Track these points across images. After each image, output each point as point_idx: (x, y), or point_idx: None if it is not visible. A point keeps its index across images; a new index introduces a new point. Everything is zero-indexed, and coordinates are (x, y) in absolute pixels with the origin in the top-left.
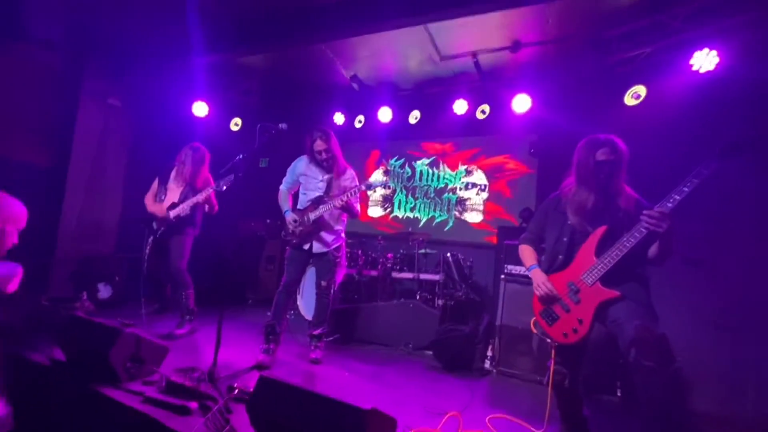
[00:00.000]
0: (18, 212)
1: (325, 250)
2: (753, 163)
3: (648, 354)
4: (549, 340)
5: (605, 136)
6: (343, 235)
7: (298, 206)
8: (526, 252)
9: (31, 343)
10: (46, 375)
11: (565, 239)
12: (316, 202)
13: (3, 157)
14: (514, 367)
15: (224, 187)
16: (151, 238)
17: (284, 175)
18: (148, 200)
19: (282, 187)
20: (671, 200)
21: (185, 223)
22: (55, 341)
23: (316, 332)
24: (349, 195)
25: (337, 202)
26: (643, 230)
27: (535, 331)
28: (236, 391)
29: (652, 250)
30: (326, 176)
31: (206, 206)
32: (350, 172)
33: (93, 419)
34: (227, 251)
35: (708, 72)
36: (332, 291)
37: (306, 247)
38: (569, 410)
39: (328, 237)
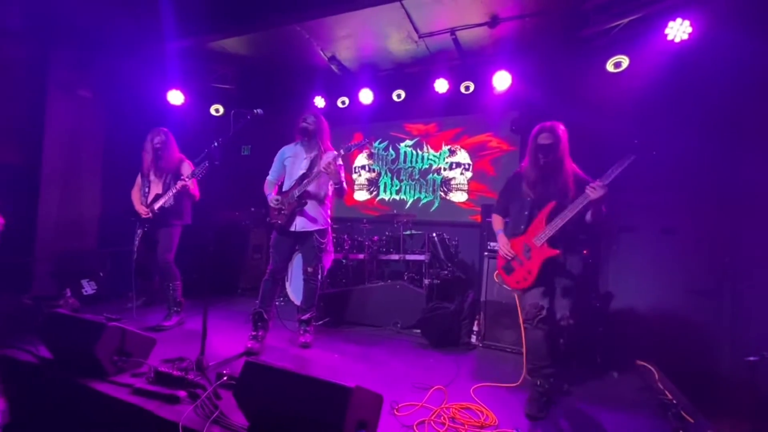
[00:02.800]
0: None
1: (310, 228)
2: (721, 140)
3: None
4: (506, 287)
5: (550, 123)
6: (329, 219)
7: (283, 190)
8: (495, 220)
9: (16, 342)
10: (34, 373)
11: (526, 213)
12: (300, 179)
13: None
14: (499, 340)
15: (199, 176)
16: (140, 230)
17: (267, 163)
18: (134, 197)
19: (269, 177)
20: (607, 177)
21: (171, 215)
22: (40, 339)
23: (304, 317)
24: (330, 163)
25: (322, 166)
26: (583, 199)
27: (497, 281)
28: (225, 378)
29: (588, 216)
30: (311, 154)
31: (182, 185)
32: (332, 153)
33: (83, 413)
34: (211, 241)
35: (683, 41)
36: (319, 276)
37: (291, 228)
38: (541, 352)
39: (312, 215)
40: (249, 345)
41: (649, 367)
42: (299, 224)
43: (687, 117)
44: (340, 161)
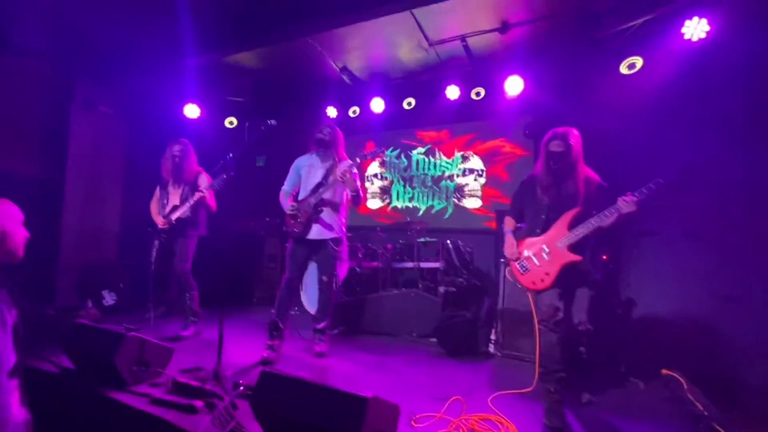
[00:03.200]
0: (7, 208)
1: (324, 237)
2: (747, 138)
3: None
4: (518, 285)
5: (562, 130)
6: (344, 228)
7: (299, 199)
8: (507, 221)
9: (39, 352)
10: (56, 383)
11: (542, 216)
12: (316, 188)
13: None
14: (517, 349)
15: (217, 188)
16: (157, 241)
17: (282, 173)
18: (153, 208)
19: (284, 187)
20: (641, 193)
21: (188, 225)
22: (62, 349)
23: (319, 326)
24: (346, 172)
25: (338, 175)
26: (614, 211)
27: (509, 277)
28: (241, 387)
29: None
30: (327, 163)
31: (200, 196)
32: (347, 162)
33: (103, 424)
34: (227, 251)
35: (701, 40)
36: (334, 285)
37: (307, 236)
38: (555, 356)
39: (328, 222)
40: (264, 355)
41: (677, 376)
42: (315, 232)
43: (707, 116)
44: (355, 170)
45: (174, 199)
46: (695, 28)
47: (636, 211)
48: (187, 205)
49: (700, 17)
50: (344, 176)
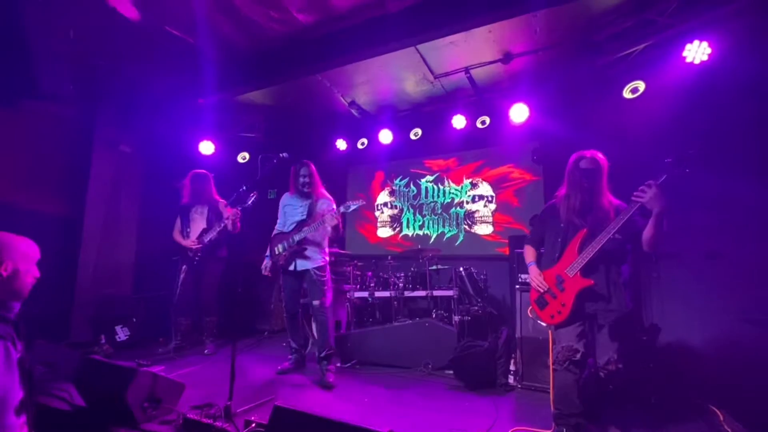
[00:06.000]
0: (25, 248)
1: (307, 267)
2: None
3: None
4: (540, 323)
5: (590, 152)
6: (327, 257)
7: (284, 231)
8: (528, 252)
9: (51, 389)
10: (67, 420)
11: (559, 240)
12: (300, 225)
13: (23, 209)
14: (538, 380)
15: (250, 202)
16: (185, 266)
17: None
18: (177, 237)
19: (277, 227)
20: (657, 177)
21: (217, 248)
22: (74, 386)
23: (322, 354)
24: (329, 216)
25: (327, 219)
26: (634, 205)
27: (531, 315)
28: (253, 425)
29: (646, 231)
30: (306, 202)
31: (231, 224)
32: (326, 200)
33: None
34: (240, 284)
35: (703, 62)
36: (326, 309)
37: (291, 267)
38: (570, 398)
39: (311, 255)
40: (280, 366)
41: (713, 408)
42: (298, 264)
43: (712, 137)
44: (337, 216)
45: (199, 223)
46: (696, 51)
47: (659, 194)
48: (218, 228)
49: (701, 40)
50: (332, 222)
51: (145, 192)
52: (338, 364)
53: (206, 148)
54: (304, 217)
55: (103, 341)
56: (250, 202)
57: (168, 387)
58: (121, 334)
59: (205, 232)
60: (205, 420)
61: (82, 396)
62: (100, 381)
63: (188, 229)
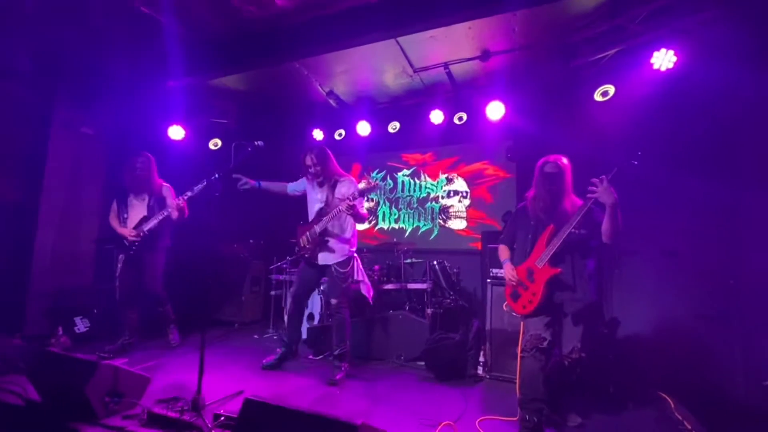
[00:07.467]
0: None
1: (328, 263)
2: (716, 163)
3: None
4: (514, 314)
5: (554, 156)
6: (352, 249)
7: (308, 221)
8: (502, 250)
9: (3, 384)
10: (20, 416)
11: (530, 236)
12: (320, 215)
13: None
14: (506, 370)
15: (195, 192)
16: (123, 255)
17: (266, 196)
18: (114, 223)
19: (288, 185)
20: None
21: (156, 238)
22: (29, 380)
23: (336, 352)
24: (347, 201)
25: (343, 207)
26: (589, 200)
27: (506, 310)
28: (222, 418)
29: (604, 224)
30: (323, 188)
31: (176, 213)
32: (346, 180)
33: None
34: (208, 275)
35: (669, 70)
36: (344, 308)
37: (316, 261)
38: (535, 385)
39: (334, 247)
40: (265, 360)
41: (665, 396)
42: (321, 258)
43: (677, 141)
44: (358, 198)
45: (139, 210)
46: (663, 59)
47: (609, 189)
48: (160, 216)
49: (668, 49)
50: (350, 210)
51: (110, 177)
52: (310, 357)
53: (176, 133)
54: (323, 204)
55: (61, 333)
56: (196, 191)
57: (131, 380)
58: (81, 325)
59: (145, 220)
60: (171, 414)
61: (37, 390)
62: (57, 375)
63: (125, 216)
